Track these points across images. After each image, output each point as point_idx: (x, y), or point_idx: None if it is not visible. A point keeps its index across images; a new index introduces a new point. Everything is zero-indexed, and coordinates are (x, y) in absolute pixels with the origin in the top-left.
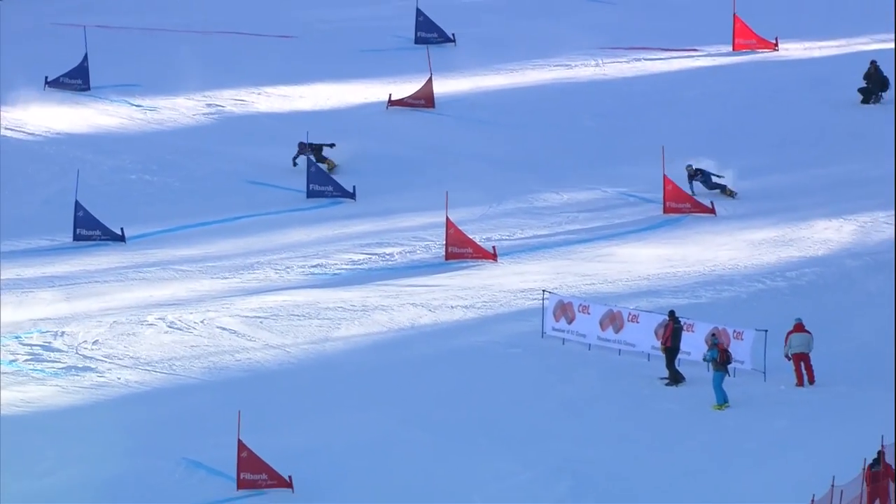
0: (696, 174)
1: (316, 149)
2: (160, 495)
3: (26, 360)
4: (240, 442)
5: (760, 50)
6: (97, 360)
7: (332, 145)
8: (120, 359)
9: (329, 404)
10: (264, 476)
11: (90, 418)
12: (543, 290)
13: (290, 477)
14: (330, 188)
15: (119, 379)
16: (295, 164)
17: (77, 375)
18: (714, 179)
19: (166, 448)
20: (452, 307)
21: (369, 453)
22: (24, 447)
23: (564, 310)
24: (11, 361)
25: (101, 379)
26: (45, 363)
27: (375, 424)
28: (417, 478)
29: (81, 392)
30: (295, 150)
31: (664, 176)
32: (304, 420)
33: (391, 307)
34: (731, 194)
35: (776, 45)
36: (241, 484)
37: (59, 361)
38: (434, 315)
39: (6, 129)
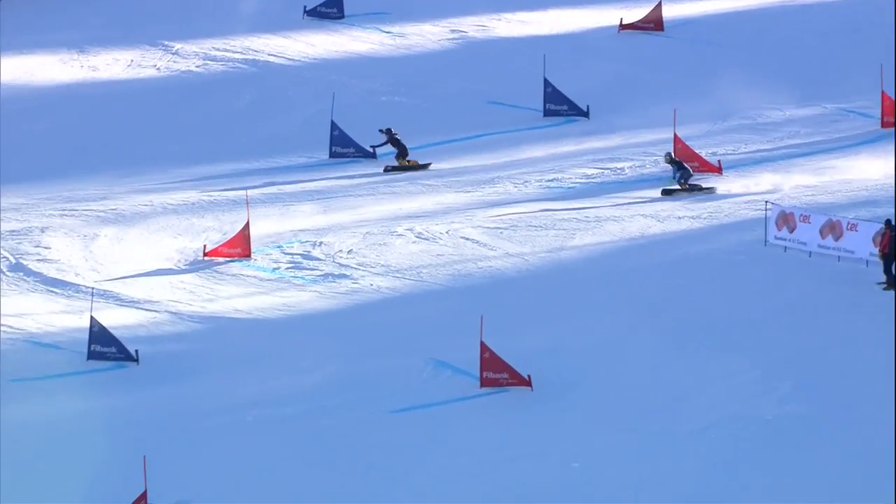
0: (674, 165)
1: (400, 147)
2: (410, 391)
3: (287, 268)
4: (482, 343)
5: None
6: (352, 267)
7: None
8: (372, 266)
9: (564, 308)
10: (505, 375)
11: (345, 321)
12: (766, 201)
13: (529, 376)
14: (565, 107)
15: (371, 285)
16: (372, 150)
17: (333, 282)
18: (691, 180)
19: (415, 349)
20: (679, 217)
21: (601, 354)
22: (286, 347)
23: (786, 219)
24: (274, 269)
25: (356, 285)
26: (305, 271)
27: (607, 327)
28: (647, 377)
29: (337, 297)
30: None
31: (882, 93)
32: (541, 323)
33: (622, 218)
34: (710, 191)
35: None
36: (484, 382)
37: (317, 269)
38: (662, 225)
39: (269, 55)
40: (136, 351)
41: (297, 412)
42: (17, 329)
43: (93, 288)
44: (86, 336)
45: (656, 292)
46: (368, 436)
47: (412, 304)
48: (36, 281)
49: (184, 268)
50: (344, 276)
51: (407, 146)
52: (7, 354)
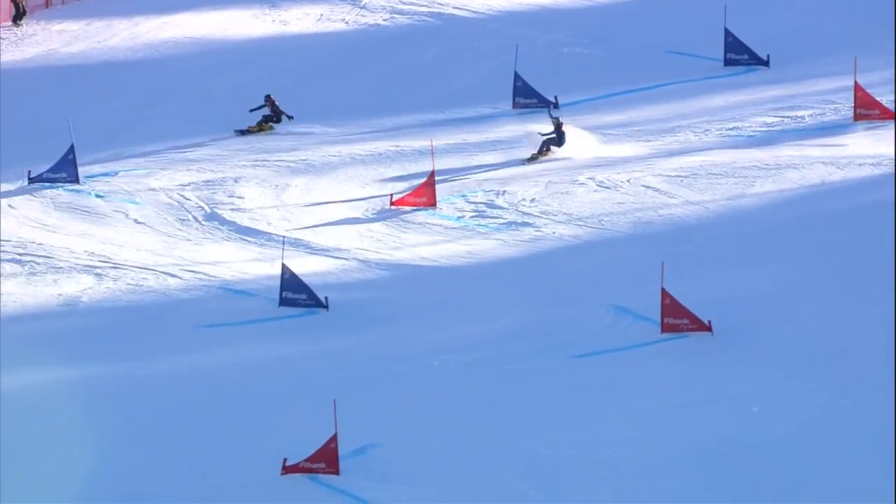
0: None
1: (276, 111)
2: (591, 337)
3: (472, 217)
4: (663, 290)
5: None
6: (534, 216)
7: (291, 117)
8: (554, 215)
9: (744, 255)
10: (686, 321)
11: (528, 268)
12: None
13: (709, 321)
14: (746, 56)
15: (554, 233)
16: (251, 112)
17: (516, 230)
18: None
19: (596, 295)
20: (860, 164)
21: (780, 300)
22: (471, 295)
23: None
24: (459, 218)
25: (538, 233)
26: (489, 219)
27: (787, 273)
28: (824, 323)
29: (520, 245)
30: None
31: None
32: (721, 270)
33: (802, 165)
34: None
35: None
36: (665, 328)
37: (501, 217)
38: (843, 172)
39: (454, 7)
40: (326, 298)
41: (481, 358)
42: (212, 277)
43: (284, 236)
44: (277, 283)
45: (836, 240)
46: (551, 381)
47: (594, 251)
48: (229, 230)
49: (371, 217)
50: (527, 224)
51: (283, 116)
52: (203, 301)
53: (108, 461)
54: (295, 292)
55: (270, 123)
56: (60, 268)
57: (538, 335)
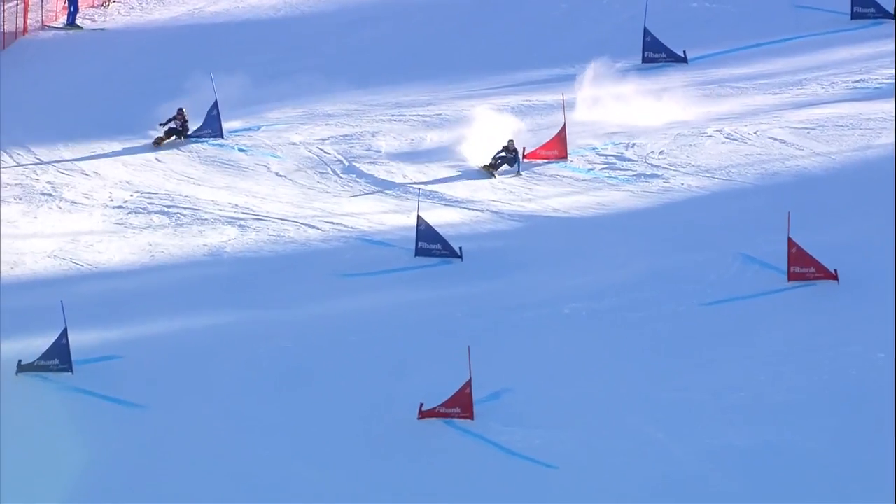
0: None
1: (185, 125)
2: (719, 285)
3: (602, 169)
4: (790, 239)
5: None
6: (663, 167)
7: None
8: (682, 166)
9: (870, 205)
10: (812, 269)
11: (657, 219)
12: None
13: (835, 270)
14: (872, 10)
15: (682, 184)
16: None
17: (645, 182)
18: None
19: (723, 244)
20: None
21: None
22: (600, 244)
23: None
24: (589, 170)
25: (667, 184)
26: (618, 171)
27: None
28: None
29: (649, 196)
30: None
31: None
32: (847, 219)
33: None
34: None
35: None
36: (791, 276)
37: (630, 170)
38: None
39: None
40: (461, 248)
41: (610, 305)
42: (351, 228)
43: (419, 188)
44: (413, 234)
45: None
46: (678, 327)
47: (721, 202)
48: (367, 182)
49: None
50: (655, 175)
51: (189, 129)
52: (342, 251)
53: (249, 399)
54: (430, 243)
55: (174, 136)
56: (205, 219)
57: (666, 283)
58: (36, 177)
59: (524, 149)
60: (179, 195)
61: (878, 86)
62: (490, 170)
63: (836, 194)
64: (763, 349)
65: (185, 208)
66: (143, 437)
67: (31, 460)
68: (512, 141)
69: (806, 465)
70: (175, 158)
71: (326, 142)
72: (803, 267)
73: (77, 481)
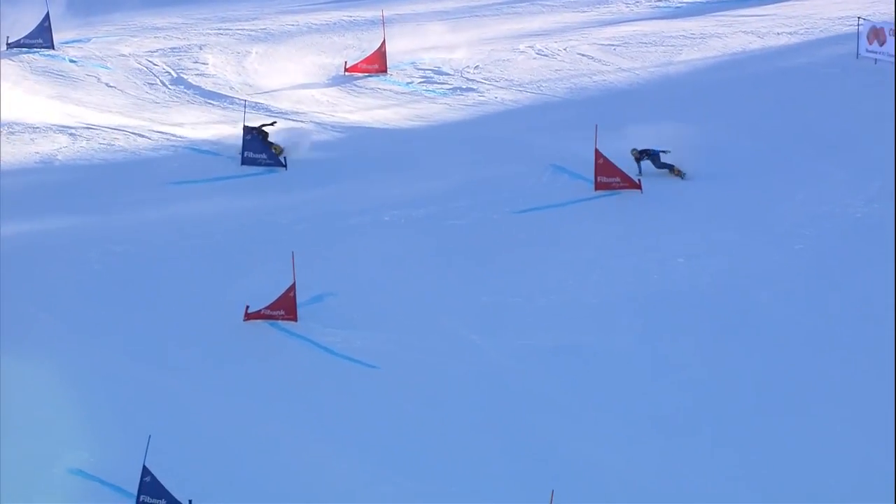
0: (642, 156)
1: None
2: (531, 194)
3: (420, 83)
4: (597, 150)
5: None
6: (478, 81)
7: (273, 123)
8: (496, 81)
9: (672, 117)
10: (617, 179)
11: (472, 131)
12: (858, 17)
13: (639, 180)
14: None
15: (496, 98)
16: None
17: (461, 95)
18: (662, 158)
19: (535, 156)
20: (778, 34)
21: (710, 155)
22: (419, 155)
23: (877, 34)
24: (408, 83)
25: (481, 98)
26: (436, 84)
27: (712, 133)
28: (750, 178)
29: (465, 109)
30: None
31: None
32: (652, 131)
33: (725, 35)
34: (680, 174)
35: None
36: (598, 186)
37: (447, 83)
38: (762, 41)
39: None
40: (285, 157)
41: (428, 213)
42: (179, 137)
43: (245, 100)
44: (239, 144)
45: (757, 103)
46: (494, 233)
47: (533, 114)
48: (195, 94)
49: (326, 82)
50: (471, 89)
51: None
52: (170, 160)
53: (80, 302)
54: (256, 152)
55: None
56: (37, 128)
57: (481, 192)
58: None
59: (346, 63)
60: (11, 104)
61: (678, 5)
62: (678, 172)
63: (641, 106)
64: (572, 255)
65: (16, 117)
66: None
67: None
68: (634, 149)
69: (609, 363)
70: (6, 69)
71: (155, 54)
72: (609, 177)
73: None
